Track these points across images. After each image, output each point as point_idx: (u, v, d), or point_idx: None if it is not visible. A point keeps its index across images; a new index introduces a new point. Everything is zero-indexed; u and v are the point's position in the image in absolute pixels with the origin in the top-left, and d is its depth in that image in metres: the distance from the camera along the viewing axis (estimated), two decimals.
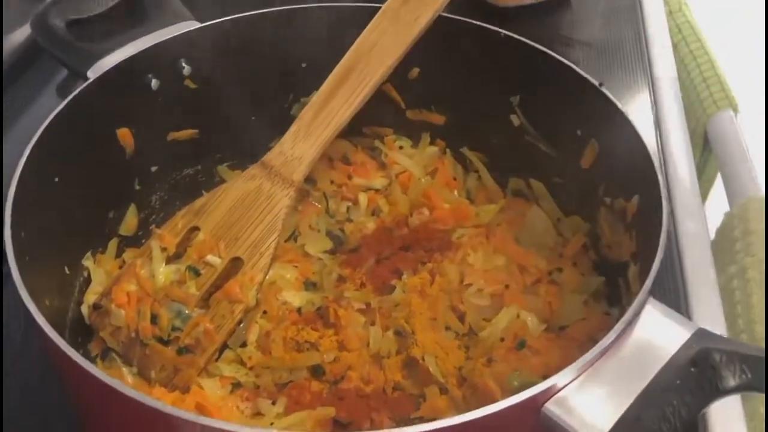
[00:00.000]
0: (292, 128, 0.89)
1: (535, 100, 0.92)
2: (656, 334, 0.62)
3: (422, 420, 0.79)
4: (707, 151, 1.50)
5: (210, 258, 0.84)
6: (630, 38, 1.42)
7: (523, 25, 0.96)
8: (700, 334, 0.61)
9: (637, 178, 0.77)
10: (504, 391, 0.76)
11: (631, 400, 0.57)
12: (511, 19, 1.27)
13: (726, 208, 1.29)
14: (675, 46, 1.51)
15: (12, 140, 1.17)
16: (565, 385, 0.58)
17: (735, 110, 1.48)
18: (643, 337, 0.61)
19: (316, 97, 0.90)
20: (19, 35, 1.37)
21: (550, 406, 0.57)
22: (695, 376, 0.58)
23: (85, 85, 0.83)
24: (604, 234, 0.86)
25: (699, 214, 1.07)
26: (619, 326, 0.60)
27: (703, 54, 1.59)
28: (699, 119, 1.50)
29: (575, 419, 0.57)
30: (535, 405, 0.58)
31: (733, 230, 1.23)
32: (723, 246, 1.20)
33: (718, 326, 0.91)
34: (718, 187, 1.45)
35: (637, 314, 0.62)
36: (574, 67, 0.85)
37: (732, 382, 0.57)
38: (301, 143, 0.88)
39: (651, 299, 0.63)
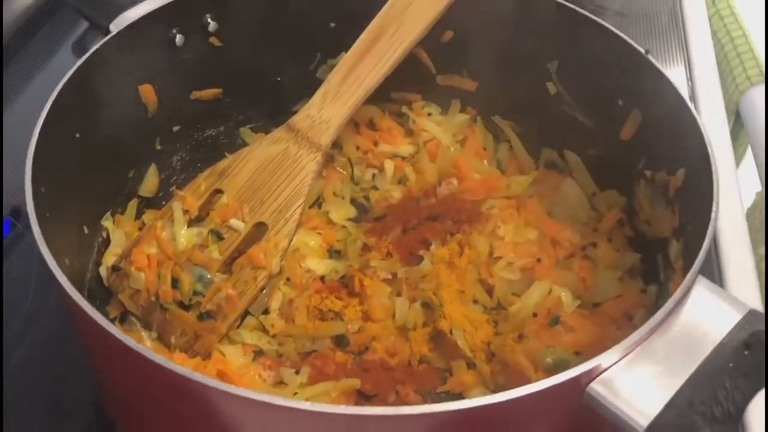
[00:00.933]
0: (320, 91, 0.86)
1: (573, 68, 0.89)
2: (706, 314, 0.59)
3: (448, 394, 0.77)
4: (738, 126, 1.47)
5: (233, 222, 0.81)
6: (665, 10, 1.38)
7: None
8: (752, 316, 0.58)
9: (683, 150, 0.73)
10: (537, 369, 0.73)
11: (680, 383, 0.54)
12: None
13: (755, 186, 1.26)
14: (709, 19, 1.46)
15: (27, 96, 1.14)
16: (611, 365, 0.55)
17: None
18: (692, 318, 0.58)
19: (346, 59, 0.86)
20: None
21: (596, 387, 0.55)
22: (749, 359, 0.55)
23: (107, 38, 0.80)
24: (643, 209, 0.83)
25: (735, 192, 1.04)
26: (668, 305, 0.57)
27: (738, 28, 1.54)
28: (731, 95, 1.46)
29: (622, 401, 0.54)
30: (579, 385, 0.55)
31: (765, 210, 1.19)
32: (754, 226, 1.17)
33: (756, 305, 0.88)
34: (747, 164, 1.41)
35: (686, 294, 0.59)
36: (618, 32, 0.81)
37: None
38: (330, 106, 0.84)
39: (700, 278, 0.60)
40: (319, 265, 0.88)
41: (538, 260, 0.86)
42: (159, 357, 0.53)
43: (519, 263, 0.87)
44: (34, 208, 0.63)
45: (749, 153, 1.39)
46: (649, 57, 0.79)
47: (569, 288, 0.83)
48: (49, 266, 0.59)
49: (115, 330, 0.55)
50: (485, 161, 0.99)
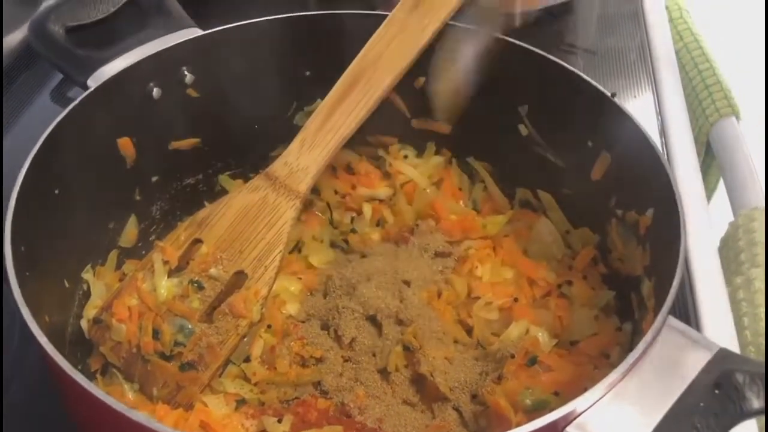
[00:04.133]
0: (297, 139, 0.87)
1: (544, 110, 0.91)
2: (677, 354, 0.60)
3: None
4: (709, 158, 1.49)
5: (213, 271, 0.82)
6: (633, 46, 1.41)
7: (525, 33, 0.95)
8: (722, 354, 0.60)
9: (651, 191, 0.75)
10: (516, 410, 0.74)
11: (654, 425, 0.56)
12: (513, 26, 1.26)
13: (728, 216, 1.28)
14: (676, 53, 1.50)
15: (6, 146, 1.14)
16: (587, 409, 0.57)
17: (738, 117, 1.47)
18: (664, 358, 0.60)
19: (321, 107, 0.88)
20: (12, 39, 1.35)
21: (572, 431, 0.56)
22: (719, 398, 0.57)
23: (85, 94, 0.81)
24: (616, 247, 0.84)
25: (707, 225, 1.06)
26: (639, 347, 0.59)
27: (705, 61, 1.58)
28: (701, 126, 1.49)
29: None
30: (555, 429, 0.56)
31: (738, 240, 1.21)
32: (728, 256, 1.19)
33: (729, 339, 0.90)
34: (719, 195, 1.44)
35: (657, 335, 0.60)
36: (585, 77, 0.84)
37: (756, 404, 0.56)
38: (307, 154, 0.86)
39: (671, 318, 0.62)
40: (300, 311, 0.89)
41: (516, 300, 0.88)
42: (138, 414, 0.53)
43: (497, 303, 0.88)
44: (13, 268, 0.64)
45: (721, 183, 1.41)
46: (616, 100, 0.81)
47: (546, 327, 0.84)
48: (29, 327, 0.60)
49: (95, 388, 0.55)
50: (461, 202, 1.00)
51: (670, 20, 1.59)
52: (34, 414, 0.81)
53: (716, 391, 0.57)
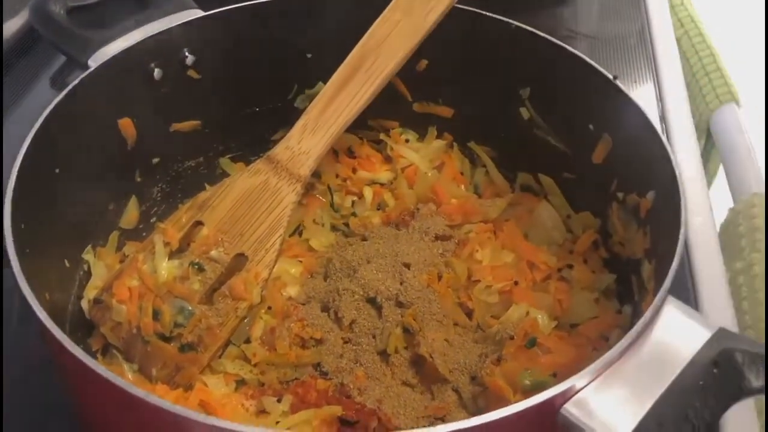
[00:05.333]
0: (299, 122, 0.87)
1: (545, 93, 0.91)
2: (676, 334, 0.60)
3: (431, 419, 0.78)
4: (710, 145, 1.50)
5: (214, 253, 0.82)
6: (634, 31, 1.41)
7: (527, 17, 0.95)
8: (721, 334, 0.60)
9: (652, 173, 0.75)
10: (515, 391, 0.74)
11: (652, 402, 0.56)
12: (511, 9, 1.26)
13: (728, 202, 1.28)
14: (677, 40, 1.50)
15: (7, 131, 1.14)
16: (584, 387, 0.57)
17: (738, 104, 1.47)
18: (663, 338, 0.60)
19: (324, 91, 0.88)
20: (13, 24, 1.34)
21: (569, 408, 0.56)
22: (718, 378, 0.57)
23: (86, 74, 0.81)
24: (616, 231, 0.84)
25: (707, 210, 1.06)
26: (638, 326, 0.59)
27: (705, 48, 1.58)
28: (702, 113, 1.49)
29: (595, 421, 0.55)
30: (553, 407, 0.56)
31: (738, 226, 1.22)
32: (728, 242, 1.19)
33: (729, 323, 0.90)
34: (719, 181, 1.44)
35: (656, 314, 0.60)
36: (587, 59, 0.83)
37: (755, 383, 0.56)
38: (309, 138, 0.86)
39: (670, 298, 0.62)
40: (301, 293, 0.89)
41: (516, 283, 0.88)
42: (138, 390, 0.54)
43: (497, 286, 0.88)
44: (14, 245, 0.64)
45: (721, 170, 1.42)
46: (618, 83, 0.81)
47: (546, 310, 0.84)
48: (29, 302, 0.60)
49: (95, 364, 0.56)
50: (462, 186, 1.00)
51: (671, 7, 1.59)
52: (33, 394, 0.81)
53: (715, 371, 0.57)
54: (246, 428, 0.52)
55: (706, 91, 1.50)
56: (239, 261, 0.83)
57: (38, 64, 1.31)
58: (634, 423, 0.55)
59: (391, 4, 0.87)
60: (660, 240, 0.74)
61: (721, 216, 1.23)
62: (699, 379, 0.57)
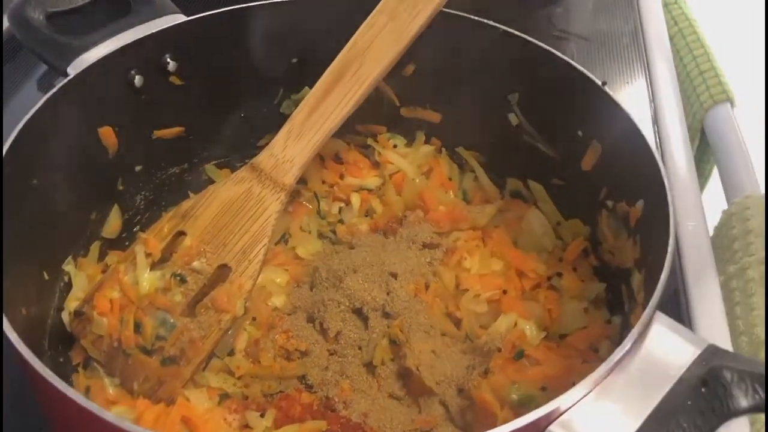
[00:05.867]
0: (283, 130, 0.85)
1: (534, 99, 0.89)
2: (665, 350, 0.59)
3: None
4: (704, 145, 1.48)
5: (196, 264, 0.81)
6: (627, 31, 1.39)
7: (518, 18, 0.93)
8: (710, 351, 0.59)
9: (641, 182, 0.74)
10: (503, 405, 0.73)
11: (639, 423, 0.54)
12: (506, 11, 1.25)
13: (722, 204, 1.27)
14: (671, 39, 1.48)
15: None
16: (571, 407, 0.55)
17: (732, 104, 1.46)
18: (651, 354, 0.59)
19: (309, 98, 0.86)
20: None
21: (555, 429, 0.55)
22: (706, 397, 0.55)
23: (64, 81, 0.79)
24: (606, 239, 0.83)
25: (699, 215, 1.05)
26: (626, 342, 0.57)
27: (700, 46, 1.56)
28: (695, 113, 1.47)
29: None
30: (538, 428, 0.55)
31: (732, 229, 1.20)
32: (721, 245, 1.18)
33: (721, 331, 0.89)
34: (714, 182, 1.42)
35: (645, 330, 0.59)
36: (576, 65, 0.82)
37: (744, 403, 0.55)
38: (293, 145, 0.84)
39: (659, 314, 0.61)
40: (287, 303, 0.88)
41: (504, 292, 0.86)
42: (109, 414, 0.52)
43: (485, 295, 0.86)
44: None
45: (716, 171, 1.40)
46: (606, 89, 0.79)
47: (535, 319, 0.83)
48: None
49: (67, 388, 0.54)
50: (450, 192, 0.99)
51: (665, 5, 1.57)
52: (18, 410, 0.79)
53: (703, 389, 0.55)
54: None
55: (700, 90, 1.48)
56: (222, 272, 0.81)
57: (23, 69, 1.29)
58: None
59: (375, 9, 0.86)
60: (650, 250, 0.73)
61: (716, 218, 1.22)
62: (687, 398, 0.55)
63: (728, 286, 1.10)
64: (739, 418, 0.56)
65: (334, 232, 0.98)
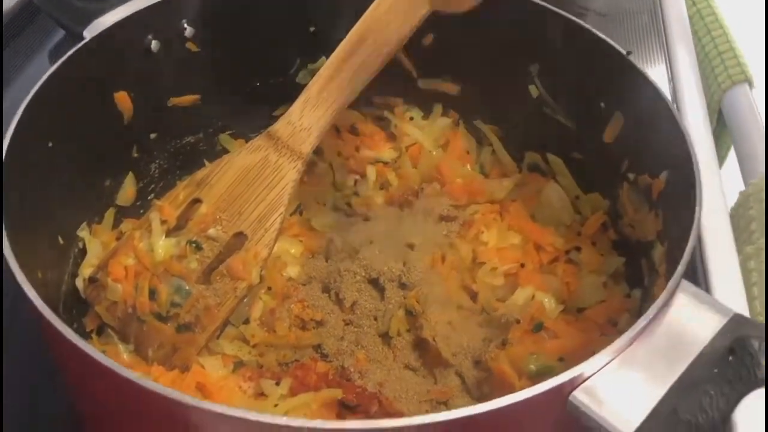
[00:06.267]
0: (301, 98, 0.84)
1: (555, 70, 0.88)
2: (690, 319, 0.58)
3: (434, 403, 0.76)
4: (721, 126, 1.46)
5: (212, 232, 0.80)
6: (646, 9, 1.38)
7: None
8: (736, 320, 0.58)
9: (666, 153, 0.73)
10: (520, 376, 0.72)
11: (665, 390, 0.53)
12: None
13: (738, 185, 1.26)
14: (689, 19, 1.46)
15: (4, 106, 1.12)
16: (594, 373, 0.55)
17: (751, 84, 1.44)
18: (676, 323, 0.58)
19: (326, 66, 0.84)
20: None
21: (578, 395, 0.54)
22: (733, 365, 0.54)
23: (80, 44, 0.78)
24: (627, 212, 0.82)
25: (718, 192, 1.04)
26: (651, 311, 0.56)
27: (718, 27, 1.54)
28: (713, 94, 1.46)
29: (605, 410, 0.53)
30: (561, 394, 0.54)
31: (749, 209, 1.19)
32: (738, 226, 1.17)
33: (741, 308, 0.88)
34: (730, 163, 1.41)
35: (669, 298, 0.58)
36: (599, 34, 0.80)
37: None
38: (310, 114, 0.83)
39: (684, 282, 0.60)
40: (301, 273, 0.87)
41: (522, 265, 0.86)
42: (131, 372, 0.52)
43: (503, 269, 0.86)
44: (4, 220, 0.61)
45: (732, 152, 1.39)
46: (631, 59, 0.78)
47: (553, 293, 0.82)
48: (18, 280, 0.58)
49: (85, 345, 0.54)
50: (468, 165, 0.98)
51: None
52: (28, 376, 0.79)
53: (730, 358, 0.55)
54: (242, 413, 0.50)
55: (719, 71, 1.47)
56: (238, 240, 0.80)
57: (37, 38, 1.28)
58: (645, 412, 0.52)
59: None
60: (673, 222, 0.72)
61: (731, 199, 1.21)
62: (714, 366, 0.54)
63: (746, 267, 1.09)
64: (764, 387, 0.55)
65: (349, 204, 0.97)
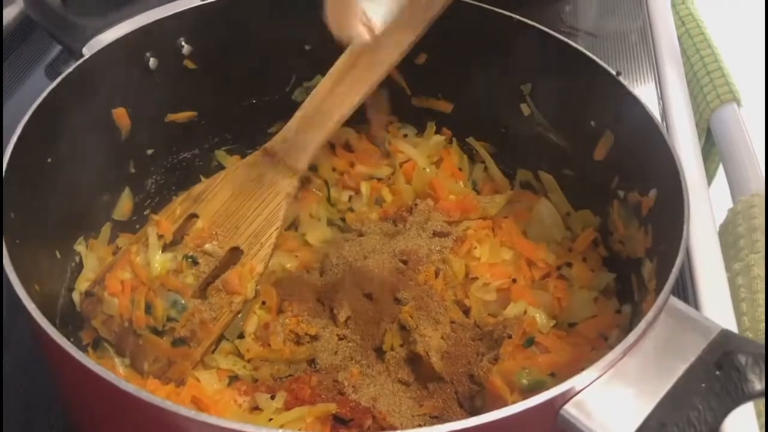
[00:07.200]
0: (297, 115, 0.85)
1: (547, 89, 0.90)
2: (678, 335, 0.59)
3: (427, 417, 0.77)
4: (709, 144, 1.48)
5: (208, 247, 0.81)
6: (635, 29, 1.40)
7: (528, 13, 0.93)
8: (723, 335, 0.59)
9: (654, 171, 0.74)
10: (513, 390, 0.73)
11: (654, 404, 0.55)
12: (513, 6, 1.25)
13: (727, 203, 1.27)
14: (678, 38, 1.49)
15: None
16: (584, 388, 0.56)
17: (739, 103, 1.46)
18: (665, 339, 0.59)
19: (322, 84, 0.86)
20: (8, 13, 1.33)
21: (569, 409, 0.55)
22: (720, 380, 0.56)
23: (80, 62, 0.80)
24: (617, 229, 0.83)
25: (707, 209, 1.05)
26: (641, 326, 0.58)
27: (707, 46, 1.57)
28: (702, 112, 1.48)
29: (595, 423, 0.54)
30: (552, 407, 0.55)
31: (737, 226, 1.20)
32: (727, 242, 1.18)
33: (730, 324, 0.89)
34: (718, 181, 1.43)
35: (658, 315, 0.59)
36: (590, 55, 0.82)
37: (758, 386, 0.55)
38: (305, 131, 0.84)
39: (672, 298, 0.61)
40: None
41: (514, 281, 0.87)
42: (129, 385, 0.52)
43: (495, 284, 0.87)
44: (5, 234, 0.62)
45: (721, 170, 1.41)
46: (620, 79, 0.80)
47: (544, 308, 0.83)
48: (17, 293, 0.58)
49: (83, 357, 0.54)
50: (461, 182, 0.99)
51: (672, 5, 1.58)
52: (23, 386, 0.79)
53: (717, 372, 0.56)
54: (239, 426, 0.50)
55: (707, 90, 1.49)
56: (234, 255, 0.81)
57: (34, 53, 1.29)
58: (635, 426, 0.54)
59: None
60: (662, 238, 0.73)
61: (720, 216, 1.22)
62: (702, 381, 0.56)
63: (734, 283, 1.10)
64: (750, 401, 0.56)
65: (343, 219, 0.98)
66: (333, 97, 0.85)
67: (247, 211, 0.82)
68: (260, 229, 0.81)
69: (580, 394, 0.56)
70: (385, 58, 0.86)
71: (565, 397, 0.55)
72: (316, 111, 0.85)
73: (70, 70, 0.78)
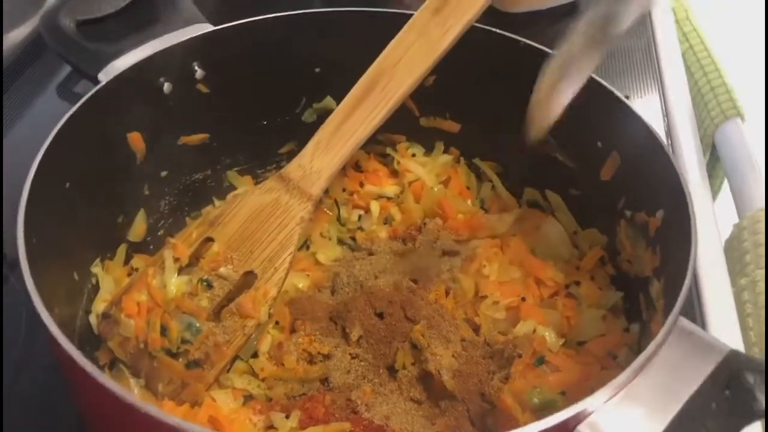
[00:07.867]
0: (312, 141, 0.87)
1: None
2: (687, 356, 0.60)
3: None
4: (714, 159, 1.50)
5: (223, 270, 0.82)
6: (639, 47, 1.41)
7: (530, 32, 0.95)
8: (732, 355, 0.60)
9: (661, 192, 0.75)
10: (524, 409, 0.74)
11: (665, 425, 0.56)
12: (518, 26, 1.27)
13: (733, 217, 1.29)
14: (682, 55, 1.50)
15: (11, 141, 1.15)
16: (597, 408, 0.57)
17: (742, 119, 1.47)
18: (674, 360, 0.60)
19: (337, 111, 0.87)
20: (20, 33, 1.35)
21: (582, 429, 0.56)
22: (729, 399, 0.57)
23: (96, 88, 0.81)
24: (624, 248, 0.84)
25: (713, 226, 1.07)
26: (651, 347, 0.59)
27: (710, 63, 1.58)
28: (706, 128, 1.49)
29: None
30: (566, 428, 0.56)
31: (743, 242, 1.22)
32: (733, 258, 1.19)
33: (736, 341, 0.90)
34: (723, 196, 1.44)
35: (667, 336, 0.60)
36: (597, 78, 0.83)
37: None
38: (321, 157, 0.86)
39: (681, 319, 0.62)
40: None
41: (523, 299, 0.88)
42: (148, 406, 0.54)
43: (504, 302, 0.88)
44: (27, 259, 0.64)
45: (726, 185, 1.42)
46: (628, 102, 0.81)
47: (553, 326, 0.84)
48: (41, 317, 0.60)
49: (107, 380, 0.56)
50: (469, 201, 1.00)
51: (676, 22, 1.59)
52: (42, 407, 0.81)
53: (727, 392, 0.57)
54: None
55: (711, 106, 1.50)
56: (248, 279, 0.83)
57: (45, 73, 1.31)
58: None
59: (406, 25, 0.86)
60: (669, 258, 0.74)
61: (725, 232, 1.23)
62: (711, 401, 0.57)
63: (740, 299, 1.11)
64: (760, 420, 0.57)
65: (353, 238, 0.99)
66: (348, 124, 0.87)
67: (262, 235, 0.84)
68: (274, 254, 0.83)
69: (593, 415, 0.57)
70: (401, 85, 0.87)
71: (579, 418, 0.56)
72: (332, 138, 0.87)
73: (87, 97, 0.80)
